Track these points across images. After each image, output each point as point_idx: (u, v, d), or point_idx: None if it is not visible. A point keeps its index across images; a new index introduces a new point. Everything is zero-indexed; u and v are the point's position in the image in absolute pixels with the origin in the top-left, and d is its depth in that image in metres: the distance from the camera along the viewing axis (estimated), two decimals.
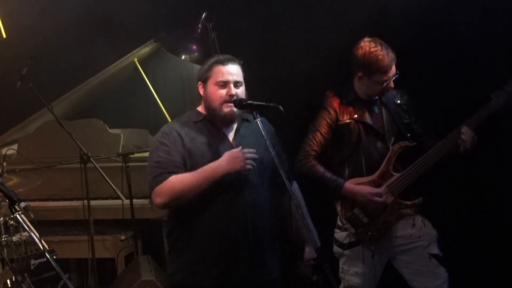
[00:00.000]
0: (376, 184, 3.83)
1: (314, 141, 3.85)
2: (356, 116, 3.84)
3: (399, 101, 3.92)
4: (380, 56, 3.72)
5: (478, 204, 4.78)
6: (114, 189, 4.84)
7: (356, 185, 3.80)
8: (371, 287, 3.95)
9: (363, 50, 3.77)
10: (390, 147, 3.84)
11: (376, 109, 3.90)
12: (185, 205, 3.28)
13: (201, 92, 3.39)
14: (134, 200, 4.94)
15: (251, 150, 3.24)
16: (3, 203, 4.50)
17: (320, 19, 5.09)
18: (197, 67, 5.16)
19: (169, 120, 5.17)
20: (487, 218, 4.73)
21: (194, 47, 5.32)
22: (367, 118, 3.85)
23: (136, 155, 5.05)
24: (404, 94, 3.95)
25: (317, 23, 5.14)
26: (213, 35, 5.02)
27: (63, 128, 4.79)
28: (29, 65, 4.80)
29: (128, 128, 5.78)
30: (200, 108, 3.44)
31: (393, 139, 3.86)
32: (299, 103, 4.70)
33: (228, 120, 3.36)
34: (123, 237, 5.14)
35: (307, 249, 3.46)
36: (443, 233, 3.96)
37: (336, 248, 3.95)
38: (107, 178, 4.79)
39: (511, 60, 4.51)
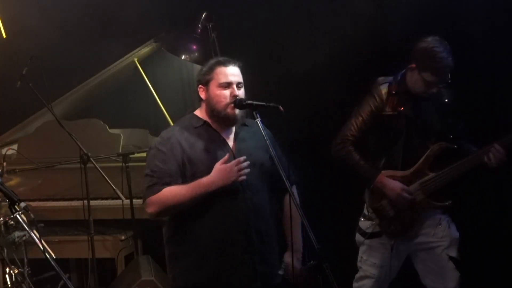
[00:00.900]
0: (408, 180, 3.81)
1: (355, 126, 3.83)
2: (401, 108, 3.79)
3: (446, 100, 3.86)
4: (438, 56, 3.66)
5: (506, 212, 4.74)
6: (114, 189, 4.84)
7: (388, 179, 3.78)
8: (386, 281, 3.94)
9: (426, 44, 3.72)
10: (430, 146, 3.81)
11: (422, 105, 3.83)
12: (181, 212, 3.28)
13: (203, 96, 3.35)
14: (134, 200, 4.94)
15: (241, 159, 3.21)
16: (3, 203, 4.49)
17: (322, 19, 5.09)
18: (197, 67, 5.18)
19: (169, 120, 5.17)
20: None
21: (194, 47, 5.32)
22: (412, 113, 3.81)
23: (136, 155, 5.05)
24: (453, 94, 3.88)
25: (318, 23, 5.14)
26: (213, 35, 5.02)
27: (63, 128, 4.79)
28: (29, 65, 4.80)
29: (128, 128, 5.78)
30: (199, 112, 3.40)
31: (434, 137, 3.83)
32: (300, 104, 4.70)
33: (231, 122, 3.33)
34: (123, 237, 5.13)
35: (286, 254, 3.45)
36: (466, 238, 3.95)
37: (358, 236, 3.95)
38: (107, 178, 4.78)
39: (508, 60, 4.48)
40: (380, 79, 3.88)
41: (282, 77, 5.22)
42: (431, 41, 3.72)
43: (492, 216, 4.73)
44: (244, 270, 3.31)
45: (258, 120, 3.23)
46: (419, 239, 3.87)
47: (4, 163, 4.99)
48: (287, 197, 3.47)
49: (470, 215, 4.53)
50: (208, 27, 5.04)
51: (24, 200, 3.12)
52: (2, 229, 4.42)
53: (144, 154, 5.02)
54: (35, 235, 3.38)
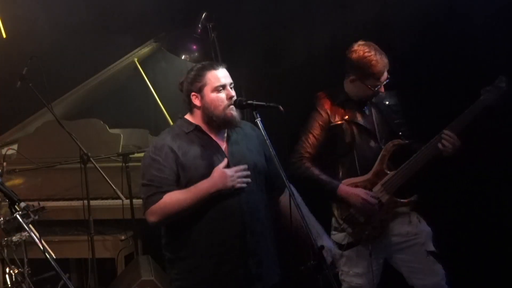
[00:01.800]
0: (371, 183, 3.84)
1: (307, 143, 3.87)
2: (347, 117, 3.86)
3: (388, 102, 3.94)
4: (373, 62, 3.73)
5: (471, 200, 4.79)
6: (114, 189, 4.84)
7: (350, 187, 3.81)
8: (372, 286, 3.95)
9: (357, 54, 3.78)
10: (383, 146, 3.85)
11: (366, 110, 3.92)
12: (179, 218, 3.28)
13: (197, 103, 3.32)
14: (134, 200, 4.94)
15: (241, 167, 3.24)
16: (3, 203, 4.49)
17: (322, 19, 5.10)
18: None
19: (169, 120, 5.17)
20: (482, 214, 4.75)
21: (194, 47, 5.32)
22: (359, 119, 3.88)
23: (136, 155, 5.05)
24: (393, 96, 3.97)
25: (318, 23, 5.14)
26: (213, 35, 5.02)
27: (63, 128, 4.79)
28: (29, 65, 4.80)
29: (128, 128, 5.78)
30: (191, 118, 3.38)
31: (385, 139, 3.88)
32: (300, 104, 4.70)
33: (232, 124, 3.33)
34: (123, 237, 5.14)
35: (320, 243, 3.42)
36: (438, 230, 3.97)
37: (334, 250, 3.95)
38: (107, 178, 4.79)
39: (508, 60, 4.51)
40: (321, 93, 3.96)
41: (282, 77, 5.22)
42: (359, 49, 3.78)
43: (462, 206, 4.77)
44: (240, 274, 3.31)
45: (258, 120, 3.22)
46: (394, 240, 3.89)
47: (4, 163, 5.00)
48: (284, 196, 3.48)
49: (439, 208, 4.56)
50: (208, 27, 5.04)
51: (24, 200, 3.12)
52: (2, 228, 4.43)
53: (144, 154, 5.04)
54: (35, 235, 3.38)
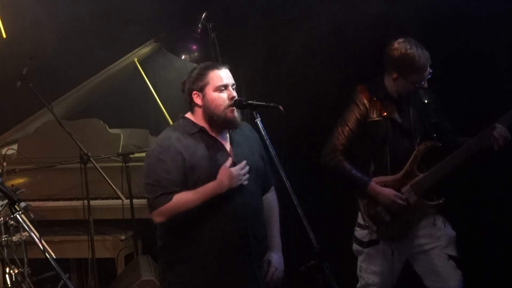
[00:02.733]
0: (400, 183, 3.82)
1: (343, 135, 3.84)
2: (385, 113, 3.82)
3: (426, 100, 3.89)
4: (416, 57, 3.70)
5: (499, 207, 4.73)
6: (114, 189, 4.84)
7: (380, 187, 3.79)
8: (388, 286, 3.95)
9: (399, 51, 3.74)
10: (416, 146, 3.83)
11: (404, 107, 3.87)
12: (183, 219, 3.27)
13: (199, 102, 3.31)
14: (134, 200, 4.94)
15: (242, 165, 3.24)
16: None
17: (323, 19, 5.09)
18: None
19: (169, 120, 5.17)
20: (509, 223, 4.71)
21: (194, 47, 5.33)
22: (396, 116, 3.84)
23: (136, 155, 5.05)
24: (431, 93, 3.92)
25: (319, 23, 5.14)
26: (213, 35, 5.01)
27: (63, 128, 4.80)
28: (29, 65, 4.80)
29: (128, 128, 5.78)
30: (193, 117, 3.37)
31: (419, 138, 3.84)
32: (300, 104, 4.70)
33: (232, 125, 3.32)
34: (123, 237, 5.13)
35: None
36: (462, 236, 3.95)
37: (355, 246, 3.95)
38: (107, 178, 4.79)
39: None
40: (360, 86, 3.92)
41: (283, 77, 5.22)
42: (400, 46, 3.75)
43: (489, 212, 4.74)
44: (243, 276, 3.31)
45: (258, 120, 3.22)
46: (417, 241, 3.88)
47: (4, 163, 5.00)
48: (268, 195, 3.53)
49: (465, 212, 4.54)
50: (208, 27, 5.04)
51: (24, 200, 3.12)
52: (2, 229, 4.44)
53: (144, 154, 5.03)
54: (35, 235, 3.39)
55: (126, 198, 4.94)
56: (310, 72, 5.10)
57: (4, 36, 5.45)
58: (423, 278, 3.93)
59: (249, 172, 3.27)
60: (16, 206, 3.08)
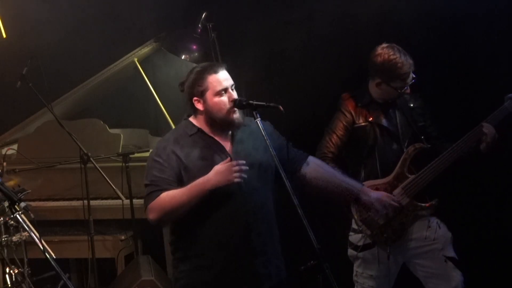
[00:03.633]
0: (391, 185, 3.83)
1: (331, 143, 3.87)
2: (371, 118, 3.86)
3: (412, 105, 3.93)
4: (399, 64, 3.73)
5: (493, 206, 4.75)
6: (114, 189, 4.84)
7: (372, 190, 3.80)
8: None
9: (382, 57, 3.76)
10: (405, 149, 3.85)
11: (391, 112, 3.91)
12: (183, 217, 3.27)
13: (200, 107, 3.30)
14: (134, 200, 4.94)
15: (240, 162, 3.20)
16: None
17: (323, 19, 5.10)
18: None
19: (169, 120, 5.17)
20: (504, 221, 4.71)
21: (194, 47, 5.32)
22: (383, 121, 3.88)
23: (136, 155, 5.05)
24: (417, 98, 3.96)
25: (320, 23, 5.14)
26: (213, 35, 5.02)
27: (63, 128, 4.80)
28: (29, 65, 4.80)
29: (128, 128, 5.78)
30: (194, 120, 3.37)
31: (407, 141, 3.87)
32: (300, 104, 4.70)
33: (235, 126, 3.32)
34: (123, 237, 5.14)
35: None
36: (458, 236, 3.95)
37: (350, 251, 3.94)
38: (107, 178, 4.79)
39: None
40: (345, 95, 3.95)
41: (282, 77, 5.22)
42: (383, 52, 3.77)
43: (486, 212, 4.76)
44: (246, 275, 3.30)
45: (258, 120, 3.22)
46: (412, 244, 3.87)
47: (4, 163, 5.00)
48: (311, 165, 3.51)
49: (462, 213, 4.55)
50: (208, 27, 5.04)
51: (24, 200, 3.12)
52: (2, 229, 4.44)
53: (144, 154, 5.04)
54: (35, 235, 3.39)
55: (126, 198, 4.94)
56: (310, 72, 5.10)
57: (4, 36, 5.44)
58: (424, 283, 3.92)
59: (251, 169, 3.25)
60: (16, 206, 3.08)
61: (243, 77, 4.46)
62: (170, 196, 3.22)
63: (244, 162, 3.22)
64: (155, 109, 5.51)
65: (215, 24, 5.05)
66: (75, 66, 5.70)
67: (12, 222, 4.37)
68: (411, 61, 3.77)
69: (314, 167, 3.52)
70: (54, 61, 5.49)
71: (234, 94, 3.32)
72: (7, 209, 3.18)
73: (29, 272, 4.46)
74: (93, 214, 4.82)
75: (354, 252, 3.91)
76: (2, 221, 4.40)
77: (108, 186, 4.83)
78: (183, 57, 5.43)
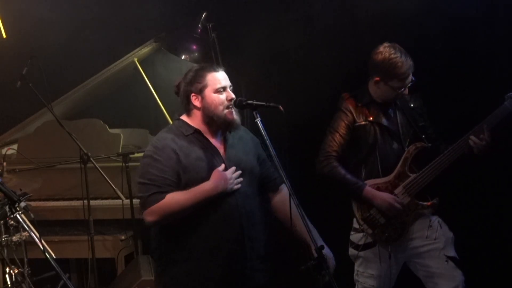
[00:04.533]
0: (392, 184, 3.85)
1: (334, 142, 3.87)
2: (371, 118, 3.87)
3: (412, 105, 3.95)
4: (399, 63, 3.74)
5: (494, 206, 4.75)
6: (114, 189, 4.84)
7: (376, 190, 3.82)
8: None
9: (383, 55, 3.78)
10: (406, 148, 3.86)
11: (391, 112, 3.93)
12: (175, 221, 3.27)
13: (197, 104, 3.32)
14: (134, 200, 4.94)
15: (233, 169, 3.26)
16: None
17: (323, 19, 5.10)
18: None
19: (169, 120, 5.17)
20: (505, 221, 4.71)
21: (194, 47, 5.33)
22: (383, 120, 3.89)
23: (136, 155, 5.05)
24: (417, 98, 3.98)
25: (320, 23, 5.15)
26: (213, 35, 5.02)
27: (63, 128, 4.80)
28: (29, 65, 4.80)
29: (128, 128, 5.78)
30: (189, 120, 3.38)
31: (408, 140, 3.89)
32: (300, 103, 4.70)
33: (232, 126, 3.34)
34: (123, 237, 5.13)
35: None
36: (460, 236, 3.95)
37: (351, 251, 3.95)
38: (107, 178, 4.79)
39: None
40: (345, 94, 3.97)
41: (282, 77, 5.22)
42: (385, 51, 3.79)
43: (487, 211, 4.76)
44: (237, 278, 3.31)
45: (258, 120, 3.23)
46: (413, 243, 3.88)
47: (4, 163, 5.00)
48: (280, 195, 3.50)
49: (463, 213, 4.55)
50: (208, 27, 5.04)
51: (24, 200, 3.12)
52: (2, 229, 4.44)
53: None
54: (35, 235, 3.39)
55: (126, 198, 4.94)
56: (310, 72, 5.10)
57: (4, 36, 5.45)
58: (425, 283, 3.92)
59: (242, 174, 3.30)
60: (16, 206, 3.08)
61: (243, 77, 4.47)
62: (175, 201, 3.20)
63: (235, 168, 3.28)
64: (155, 109, 5.51)
65: (215, 24, 5.05)
66: (75, 66, 5.70)
67: (12, 222, 4.37)
68: (411, 63, 3.78)
69: (281, 199, 3.49)
70: (54, 61, 5.50)
71: (233, 95, 3.33)
72: (8, 213, 3.17)
73: (29, 272, 4.45)
74: (93, 214, 4.82)
75: (355, 251, 3.91)
76: (2, 221, 4.39)
77: (108, 186, 4.83)
78: (183, 57, 5.44)
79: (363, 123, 3.87)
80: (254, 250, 3.34)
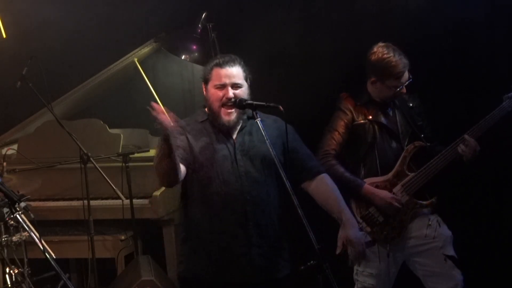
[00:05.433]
0: (391, 183, 3.87)
1: (333, 141, 3.90)
2: (370, 116, 3.90)
3: (411, 104, 3.99)
4: (393, 63, 3.79)
5: (494, 205, 4.77)
6: (114, 189, 4.84)
7: (375, 188, 3.84)
8: None
9: (376, 55, 3.83)
10: (405, 147, 3.88)
11: (390, 111, 3.96)
12: (187, 198, 3.39)
13: (205, 93, 3.46)
14: (134, 200, 4.94)
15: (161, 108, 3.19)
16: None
17: (323, 19, 5.10)
18: (197, 67, 5.19)
19: None
20: (504, 220, 4.72)
21: (194, 47, 5.32)
22: (382, 119, 3.92)
23: (136, 155, 5.04)
24: (415, 98, 4.02)
25: (320, 23, 5.14)
26: (213, 35, 5.02)
27: (63, 128, 4.79)
28: (29, 65, 4.80)
29: (128, 128, 5.78)
30: (207, 108, 3.49)
31: (407, 139, 3.91)
32: (300, 103, 4.70)
33: (224, 126, 3.40)
34: (123, 237, 5.13)
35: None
36: (459, 235, 3.96)
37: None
38: (107, 178, 4.78)
39: None
40: (344, 94, 4.01)
41: (282, 77, 5.22)
42: (378, 51, 3.85)
43: (486, 210, 4.76)
44: (241, 263, 3.35)
45: (258, 120, 3.25)
46: (412, 242, 3.89)
47: (4, 163, 4.99)
48: (314, 182, 3.52)
49: (462, 212, 4.56)
50: (208, 27, 5.05)
51: (24, 200, 3.12)
52: (2, 229, 4.44)
53: (144, 154, 5.03)
54: (35, 235, 3.38)
55: (126, 198, 4.93)
56: (310, 72, 5.10)
57: (4, 36, 5.44)
58: (424, 282, 3.93)
59: (253, 160, 3.37)
60: (16, 206, 3.08)
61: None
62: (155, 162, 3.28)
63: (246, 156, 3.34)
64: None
65: (215, 24, 5.05)
66: (75, 66, 5.70)
67: (12, 222, 4.37)
68: (406, 61, 3.81)
69: (315, 186, 3.53)
70: (54, 61, 5.49)
71: (236, 92, 3.34)
72: (6, 215, 3.18)
73: (29, 272, 4.45)
74: (93, 214, 4.81)
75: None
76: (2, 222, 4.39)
77: (108, 186, 4.82)
78: (183, 57, 5.44)
79: (362, 121, 3.90)
80: (264, 237, 3.37)
